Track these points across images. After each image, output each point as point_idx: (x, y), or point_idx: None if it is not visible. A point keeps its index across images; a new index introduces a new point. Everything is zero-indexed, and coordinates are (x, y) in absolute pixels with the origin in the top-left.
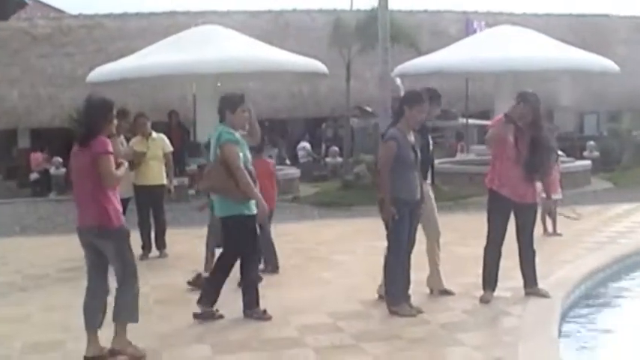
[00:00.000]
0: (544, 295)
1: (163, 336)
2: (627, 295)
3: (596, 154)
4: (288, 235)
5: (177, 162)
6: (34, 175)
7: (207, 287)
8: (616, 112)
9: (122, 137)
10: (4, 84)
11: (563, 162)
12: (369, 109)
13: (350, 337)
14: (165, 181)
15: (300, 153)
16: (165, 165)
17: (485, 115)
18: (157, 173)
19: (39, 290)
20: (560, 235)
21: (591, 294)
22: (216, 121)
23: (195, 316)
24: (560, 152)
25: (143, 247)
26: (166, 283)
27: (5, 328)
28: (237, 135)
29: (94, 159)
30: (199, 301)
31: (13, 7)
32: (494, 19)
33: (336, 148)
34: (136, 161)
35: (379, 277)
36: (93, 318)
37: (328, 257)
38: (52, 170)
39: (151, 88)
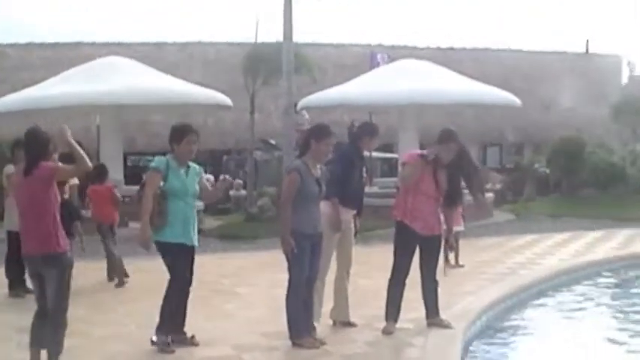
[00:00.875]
0: (446, 325)
1: None
2: (527, 326)
3: (498, 186)
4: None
5: (81, 193)
6: None
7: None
8: (518, 145)
9: (11, 168)
10: None
11: (466, 194)
12: (272, 141)
13: None
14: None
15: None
16: (70, 197)
17: (388, 147)
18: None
19: None
20: (462, 266)
21: (492, 325)
22: (118, 153)
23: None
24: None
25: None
26: None
27: None
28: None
29: (47, 180)
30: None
31: None
32: (398, 52)
33: (240, 181)
34: None
35: (282, 309)
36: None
37: (232, 290)
38: None
39: (54, 119)
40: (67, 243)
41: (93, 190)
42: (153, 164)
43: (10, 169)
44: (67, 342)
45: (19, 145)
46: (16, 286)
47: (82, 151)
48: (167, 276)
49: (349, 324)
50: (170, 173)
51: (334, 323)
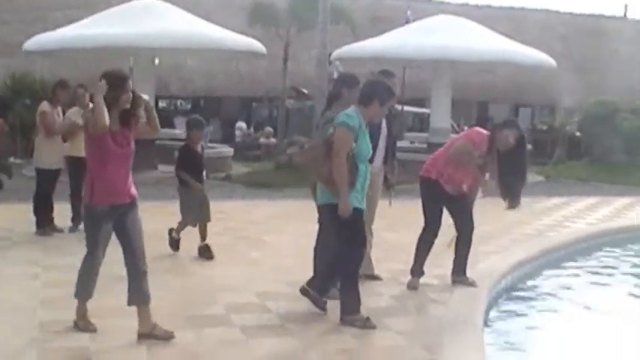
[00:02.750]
0: (471, 284)
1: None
2: (551, 288)
3: (529, 147)
4: (219, 214)
5: None
6: None
7: (346, 298)
8: (550, 107)
9: (59, 108)
10: None
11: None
12: (305, 90)
13: (277, 317)
14: None
15: (237, 132)
16: None
17: (420, 102)
18: None
19: None
20: None
21: (517, 286)
22: (151, 96)
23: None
24: None
25: (73, 219)
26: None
27: None
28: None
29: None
30: (344, 313)
31: None
32: (436, 7)
33: (270, 129)
34: (70, 132)
35: (308, 259)
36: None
37: (258, 237)
38: None
39: (88, 60)
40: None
41: None
42: (345, 120)
43: (45, 105)
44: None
45: (63, 86)
46: (44, 224)
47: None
48: None
49: (374, 277)
50: (360, 133)
51: (360, 277)
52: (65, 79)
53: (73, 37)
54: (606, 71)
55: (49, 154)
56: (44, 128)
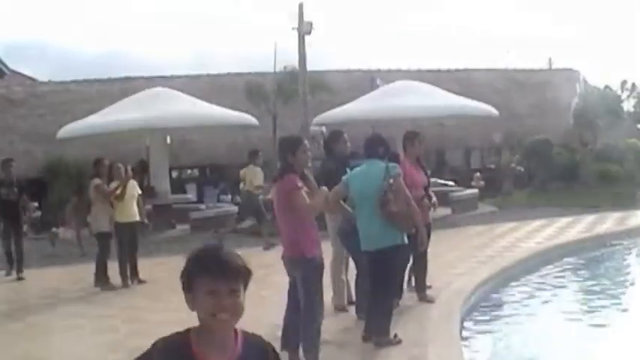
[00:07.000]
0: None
1: None
2: (512, 300)
3: (481, 183)
4: None
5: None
6: None
7: (387, 323)
8: (496, 148)
9: (97, 180)
10: None
11: (454, 190)
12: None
13: None
14: (138, 218)
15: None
16: (138, 204)
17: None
18: (135, 211)
19: None
20: None
21: (483, 300)
22: (165, 167)
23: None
24: (452, 182)
25: (124, 277)
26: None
27: None
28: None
29: (287, 194)
30: (374, 334)
31: None
32: (394, 75)
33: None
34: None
35: None
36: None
37: (265, 278)
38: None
39: (111, 141)
40: (314, 249)
41: None
42: (399, 171)
43: (96, 180)
44: (128, 327)
45: (102, 163)
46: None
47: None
48: None
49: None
50: None
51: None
52: (102, 157)
53: (98, 123)
54: (538, 115)
55: (105, 218)
56: (103, 195)
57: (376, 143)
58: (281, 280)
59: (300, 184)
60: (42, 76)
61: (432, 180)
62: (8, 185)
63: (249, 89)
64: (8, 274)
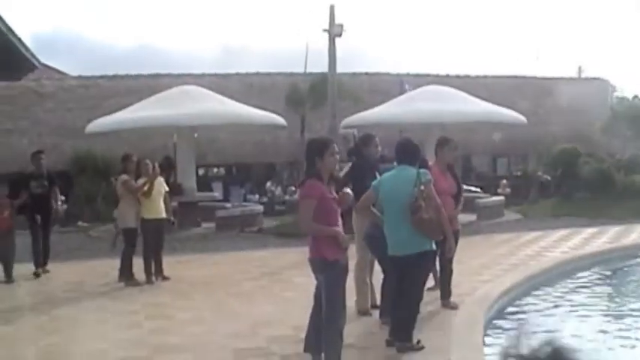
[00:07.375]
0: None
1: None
2: (536, 308)
3: (508, 190)
4: (255, 261)
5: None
6: None
7: (410, 328)
8: (523, 156)
9: (125, 176)
10: (16, 134)
11: (480, 197)
12: None
13: None
14: (165, 215)
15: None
16: (164, 201)
17: None
18: (161, 208)
19: None
20: None
21: (507, 307)
22: (192, 165)
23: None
24: (478, 189)
25: (149, 273)
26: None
27: None
28: None
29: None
30: (397, 340)
31: (25, 70)
32: (422, 79)
33: (293, 188)
34: (144, 196)
35: None
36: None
37: (290, 279)
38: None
39: (138, 138)
40: (336, 252)
41: None
42: (430, 177)
43: (124, 176)
44: (152, 323)
45: (130, 159)
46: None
47: None
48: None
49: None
50: None
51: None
52: (130, 153)
53: (126, 119)
54: (566, 123)
55: (132, 214)
56: (130, 191)
57: (408, 148)
58: (307, 281)
59: (316, 192)
60: (72, 69)
61: None
62: (38, 177)
63: (287, 96)
64: (36, 274)
